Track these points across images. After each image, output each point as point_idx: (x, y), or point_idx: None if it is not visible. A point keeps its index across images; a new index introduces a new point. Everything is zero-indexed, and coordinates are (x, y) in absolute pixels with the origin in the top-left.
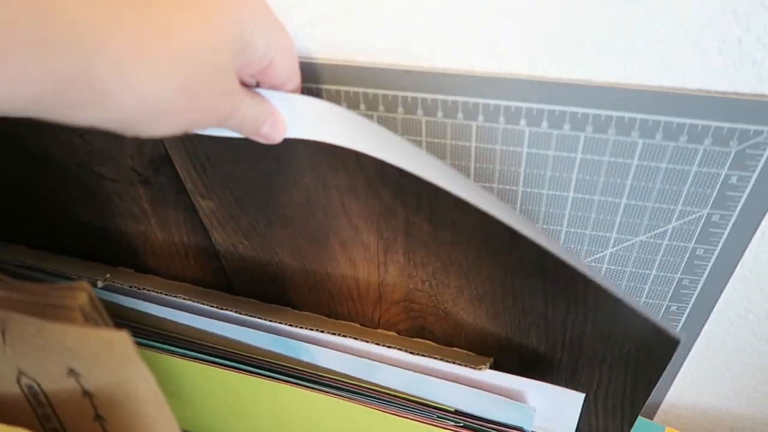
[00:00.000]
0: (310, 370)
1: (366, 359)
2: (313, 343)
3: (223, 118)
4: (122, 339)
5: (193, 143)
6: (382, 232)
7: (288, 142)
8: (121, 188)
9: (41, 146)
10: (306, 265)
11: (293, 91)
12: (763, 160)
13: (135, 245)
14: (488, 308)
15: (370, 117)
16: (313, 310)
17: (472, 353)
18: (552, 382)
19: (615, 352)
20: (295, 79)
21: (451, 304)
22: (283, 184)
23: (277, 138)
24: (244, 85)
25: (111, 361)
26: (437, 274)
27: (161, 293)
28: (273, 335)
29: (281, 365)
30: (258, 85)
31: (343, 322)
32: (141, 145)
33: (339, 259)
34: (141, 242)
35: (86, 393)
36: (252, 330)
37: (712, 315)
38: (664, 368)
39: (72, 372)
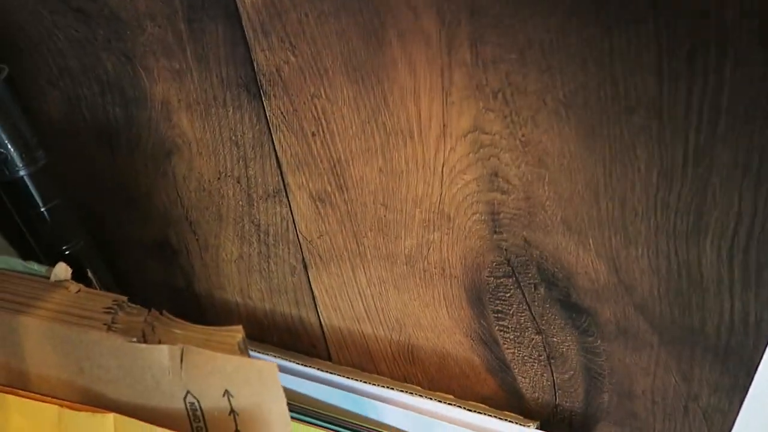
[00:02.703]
0: (375, 428)
1: (427, 417)
2: (381, 401)
3: None
4: (270, 368)
5: None
6: (444, 15)
7: None
8: (154, 4)
9: None
10: (359, 85)
11: None
12: None
13: (169, 99)
14: (580, 118)
15: None
16: (365, 162)
17: (520, 417)
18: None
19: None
20: None
21: (530, 127)
22: None
23: None
24: None
25: (258, 386)
26: (512, 76)
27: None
28: (346, 392)
29: (349, 422)
30: None
31: (408, 385)
32: None
33: (397, 62)
34: (176, 91)
35: (232, 411)
36: (325, 386)
37: None
38: None
39: (227, 393)
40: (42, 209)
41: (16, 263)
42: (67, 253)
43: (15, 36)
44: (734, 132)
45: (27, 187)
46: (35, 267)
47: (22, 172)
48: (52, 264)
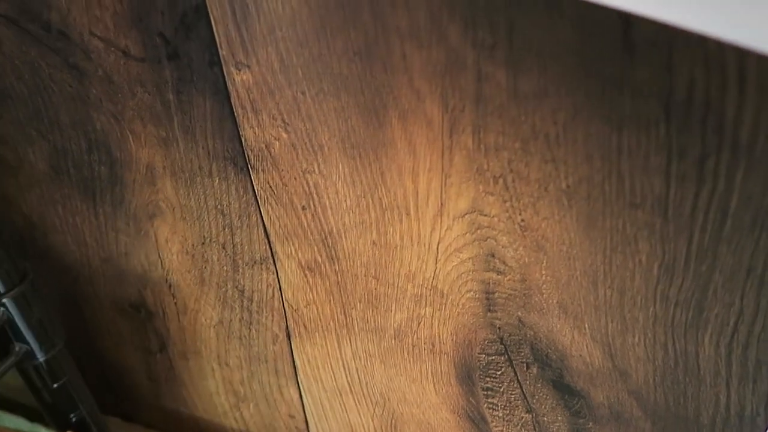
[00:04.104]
0: None
1: None
2: None
3: None
4: None
5: None
6: (448, 100)
7: None
8: (145, 72)
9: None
10: (356, 161)
11: None
12: None
13: (154, 165)
14: (581, 208)
15: None
16: (358, 236)
17: None
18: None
19: None
20: None
21: (530, 212)
22: (340, 26)
23: None
24: None
25: None
26: (514, 163)
27: None
28: None
29: None
30: None
31: None
32: None
33: (397, 142)
34: (161, 157)
35: None
36: None
37: None
38: None
39: None
40: (53, 386)
41: (22, 423)
42: (74, 420)
43: (12, 83)
44: (740, 235)
45: (41, 371)
46: (42, 431)
47: (40, 360)
48: (58, 428)
